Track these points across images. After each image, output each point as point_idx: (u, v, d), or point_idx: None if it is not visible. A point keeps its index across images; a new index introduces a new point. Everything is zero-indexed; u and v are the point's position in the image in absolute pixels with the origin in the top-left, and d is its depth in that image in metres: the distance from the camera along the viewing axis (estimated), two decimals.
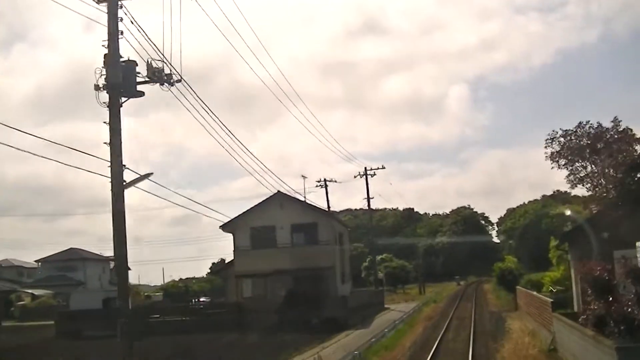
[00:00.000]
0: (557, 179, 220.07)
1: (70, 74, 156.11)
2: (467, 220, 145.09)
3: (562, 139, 23.71)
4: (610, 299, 14.91)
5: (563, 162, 23.68)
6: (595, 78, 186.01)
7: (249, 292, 48.68)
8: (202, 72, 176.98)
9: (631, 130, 28.58)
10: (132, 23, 16.65)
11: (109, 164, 16.17)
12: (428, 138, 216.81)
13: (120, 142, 16.31)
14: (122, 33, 16.55)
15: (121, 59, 16.64)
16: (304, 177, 58.70)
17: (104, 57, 16.47)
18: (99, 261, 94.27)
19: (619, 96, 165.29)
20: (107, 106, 16.42)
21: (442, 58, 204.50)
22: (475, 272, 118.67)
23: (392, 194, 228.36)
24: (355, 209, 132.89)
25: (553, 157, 23.21)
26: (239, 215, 48.64)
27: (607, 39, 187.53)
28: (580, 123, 22.85)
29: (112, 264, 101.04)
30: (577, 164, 23.18)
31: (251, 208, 49.06)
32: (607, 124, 22.73)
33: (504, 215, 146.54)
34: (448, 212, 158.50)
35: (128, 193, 15.93)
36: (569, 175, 23.43)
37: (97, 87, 16.49)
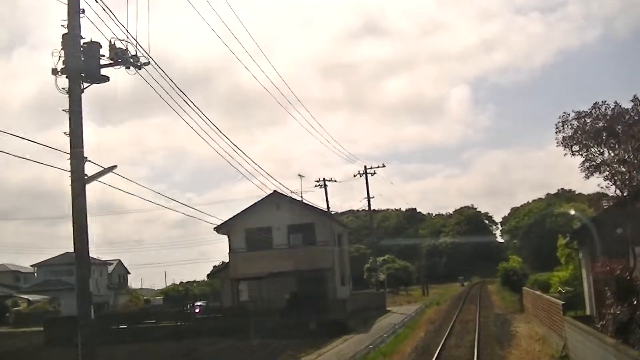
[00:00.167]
0: (562, 178, 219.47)
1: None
2: (470, 220, 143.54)
3: (575, 122, 21.52)
4: (635, 302, 13.08)
5: (576, 148, 21.49)
6: (597, 78, 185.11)
7: (246, 295, 47.18)
8: (205, 74, 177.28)
9: None
10: (96, 1, 14.98)
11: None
12: (429, 139, 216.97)
13: (82, 132, 14.63)
14: (83, 11, 14.90)
15: (83, 40, 14.99)
16: (300, 176, 56.97)
17: (62, 38, 14.80)
18: (96, 265, 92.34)
19: (621, 96, 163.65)
20: (67, 92, 14.74)
21: (443, 59, 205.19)
22: (479, 272, 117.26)
23: (394, 195, 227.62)
24: (357, 210, 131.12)
25: (565, 142, 21.05)
26: (234, 216, 47.13)
27: (608, 39, 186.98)
28: (595, 104, 20.81)
29: (109, 268, 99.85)
30: (592, 149, 21.01)
31: (246, 209, 47.46)
32: (626, 104, 21.03)
33: (508, 214, 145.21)
34: (451, 212, 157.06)
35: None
36: (583, 162, 21.38)
37: (54, 72, 14.82)
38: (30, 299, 76.96)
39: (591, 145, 21.36)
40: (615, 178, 19.41)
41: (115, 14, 15.10)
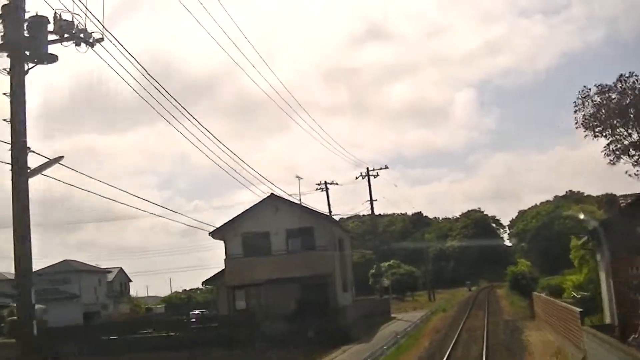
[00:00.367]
0: (569, 180, 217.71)
1: (75, 86, 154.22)
2: (477, 223, 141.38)
3: (597, 98, 18.89)
4: None
5: (599, 129, 18.89)
6: (601, 79, 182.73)
7: (243, 303, 45.01)
8: (211, 81, 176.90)
9: None
10: None
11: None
12: (434, 143, 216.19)
13: (25, 119, 12.65)
14: None
15: (27, 14, 13.00)
16: (298, 177, 54.92)
17: (2, 10, 12.81)
18: (94, 273, 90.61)
19: None
20: (8, 73, 12.76)
21: (447, 62, 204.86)
22: (487, 276, 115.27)
23: (400, 200, 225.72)
24: (363, 215, 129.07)
25: (586, 122, 18.44)
26: (230, 220, 45.18)
27: (612, 40, 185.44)
28: (621, 76, 18.32)
29: (109, 276, 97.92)
30: (618, 130, 18.45)
31: (242, 213, 45.41)
32: None
33: (515, 217, 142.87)
34: (458, 216, 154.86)
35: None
36: (608, 145, 19.00)
37: None
38: None
39: (617, 124, 18.72)
40: None
41: None
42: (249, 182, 30.09)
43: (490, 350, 25.33)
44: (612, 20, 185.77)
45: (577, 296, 29.40)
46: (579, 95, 18.53)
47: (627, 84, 18.28)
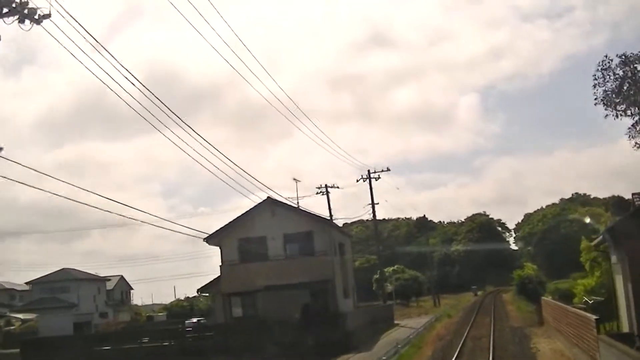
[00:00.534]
0: (575, 183, 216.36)
1: (81, 95, 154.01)
2: (483, 227, 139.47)
3: (620, 70, 17.09)
4: None
5: (622, 106, 17.05)
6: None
7: (239, 311, 43.37)
8: (215, 89, 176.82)
9: None
10: None
11: None
12: (440, 148, 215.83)
13: None
14: None
15: None
16: (296, 180, 53.15)
17: None
18: (93, 281, 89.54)
19: None
20: None
21: (451, 68, 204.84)
22: (493, 281, 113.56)
23: (405, 205, 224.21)
24: (367, 220, 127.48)
25: (607, 99, 16.53)
26: (225, 225, 43.69)
27: (615, 43, 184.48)
28: None
29: (110, 284, 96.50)
30: None
31: (238, 217, 43.87)
32: None
33: (521, 220, 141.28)
34: (463, 220, 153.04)
35: None
36: (633, 125, 17.21)
37: None
38: (22, 317, 73.87)
39: None
40: None
41: None
42: (248, 191, 28.83)
43: None
44: (615, 24, 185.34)
45: (590, 301, 27.71)
46: (599, 67, 16.57)
47: None
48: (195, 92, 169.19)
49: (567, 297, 36.03)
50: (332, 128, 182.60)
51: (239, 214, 44.01)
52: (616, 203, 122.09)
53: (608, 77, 16.96)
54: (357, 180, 60.87)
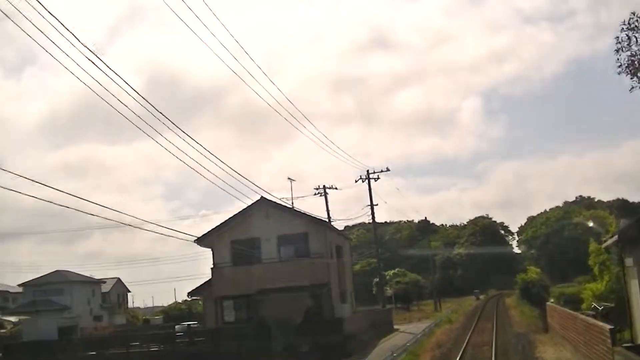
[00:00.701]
0: (578, 187, 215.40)
1: (81, 97, 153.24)
2: (485, 230, 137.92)
3: None
4: None
5: None
6: (608, 86, 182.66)
7: (231, 316, 41.69)
8: (217, 92, 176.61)
9: None
10: None
11: None
12: (443, 151, 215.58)
13: None
14: None
15: None
16: (290, 179, 51.48)
17: None
18: (87, 283, 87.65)
19: (633, 103, 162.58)
20: None
21: (454, 71, 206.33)
22: (496, 284, 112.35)
23: (407, 208, 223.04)
24: (368, 223, 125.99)
25: (631, 66, 14.55)
26: (217, 226, 42.10)
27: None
28: None
29: (106, 287, 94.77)
30: None
31: (230, 218, 42.24)
32: None
33: (524, 223, 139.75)
34: (465, 223, 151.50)
35: None
36: None
37: None
38: (13, 320, 72.18)
39: None
40: None
41: None
42: (243, 195, 28.02)
43: None
44: (618, 26, 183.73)
45: (599, 308, 26.00)
46: (623, 26, 14.34)
47: None
48: (199, 95, 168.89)
49: (574, 302, 34.30)
50: (335, 131, 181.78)
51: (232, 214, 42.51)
52: (621, 206, 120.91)
53: (635, 38, 14.79)
54: (356, 181, 59.32)
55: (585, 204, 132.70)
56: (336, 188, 59.82)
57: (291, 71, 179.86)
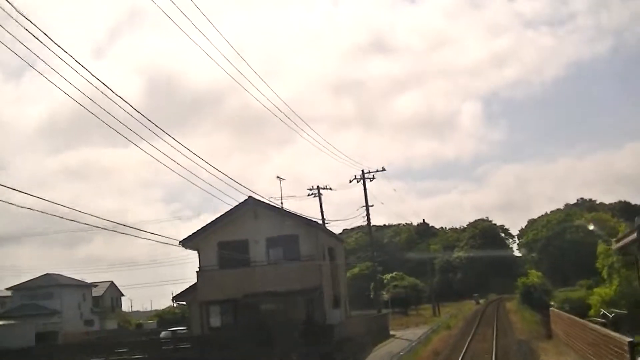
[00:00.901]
0: (579, 190, 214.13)
1: (78, 100, 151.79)
2: (485, 233, 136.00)
3: None
4: None
5: None
6: (609, 89, 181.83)
7: (217, 321, 39.71)
8: (216, 95, 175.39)
9: None
10: None
11: None
12: (443, 154, 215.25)
13: None
14: None
15: None
16: (280, 178, 49.46)
17: None
18: (78, 287, 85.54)
19: (634, 106, 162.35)
20: None
21: (454, 74, 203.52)
22: (496, 288, 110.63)
23: (407, 211, 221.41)
24: (367, 226, 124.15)
25: None
26: (203, 227, 40.13)
27: (619, 50, 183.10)
28: None
29: (99, 291, 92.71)
30: None
31: (217, 219, 40.37)
32: None
33: (525, 226, 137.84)
34: (465, 226, 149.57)
35: None
36: None
37: None
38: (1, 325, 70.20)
39: None
40: None
41: None
42: (234, 200, 26.45)
43: None
44: (618, 30, 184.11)
45: (609, 315, 24.00)
46: None
47: None
48: (198, 98, 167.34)
49: (580, 308, 32.23)
50: (335, 134, 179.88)
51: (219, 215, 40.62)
52: (623, 208, 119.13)
53: None
54: (350, 181, 57.42)
55: (586, 206, 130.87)
56: (330, 188, 58.15)
57: (291, 74, 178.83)
